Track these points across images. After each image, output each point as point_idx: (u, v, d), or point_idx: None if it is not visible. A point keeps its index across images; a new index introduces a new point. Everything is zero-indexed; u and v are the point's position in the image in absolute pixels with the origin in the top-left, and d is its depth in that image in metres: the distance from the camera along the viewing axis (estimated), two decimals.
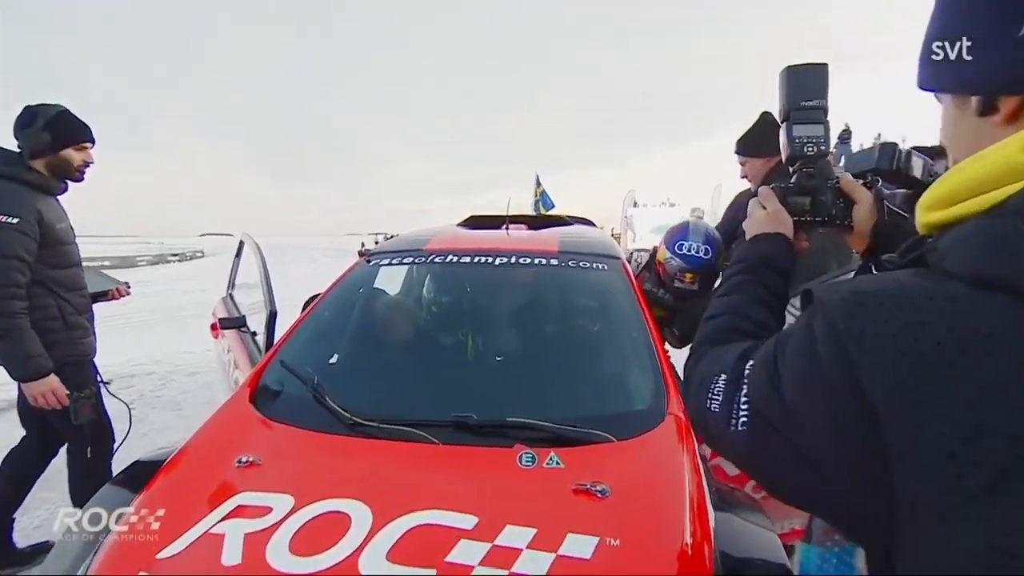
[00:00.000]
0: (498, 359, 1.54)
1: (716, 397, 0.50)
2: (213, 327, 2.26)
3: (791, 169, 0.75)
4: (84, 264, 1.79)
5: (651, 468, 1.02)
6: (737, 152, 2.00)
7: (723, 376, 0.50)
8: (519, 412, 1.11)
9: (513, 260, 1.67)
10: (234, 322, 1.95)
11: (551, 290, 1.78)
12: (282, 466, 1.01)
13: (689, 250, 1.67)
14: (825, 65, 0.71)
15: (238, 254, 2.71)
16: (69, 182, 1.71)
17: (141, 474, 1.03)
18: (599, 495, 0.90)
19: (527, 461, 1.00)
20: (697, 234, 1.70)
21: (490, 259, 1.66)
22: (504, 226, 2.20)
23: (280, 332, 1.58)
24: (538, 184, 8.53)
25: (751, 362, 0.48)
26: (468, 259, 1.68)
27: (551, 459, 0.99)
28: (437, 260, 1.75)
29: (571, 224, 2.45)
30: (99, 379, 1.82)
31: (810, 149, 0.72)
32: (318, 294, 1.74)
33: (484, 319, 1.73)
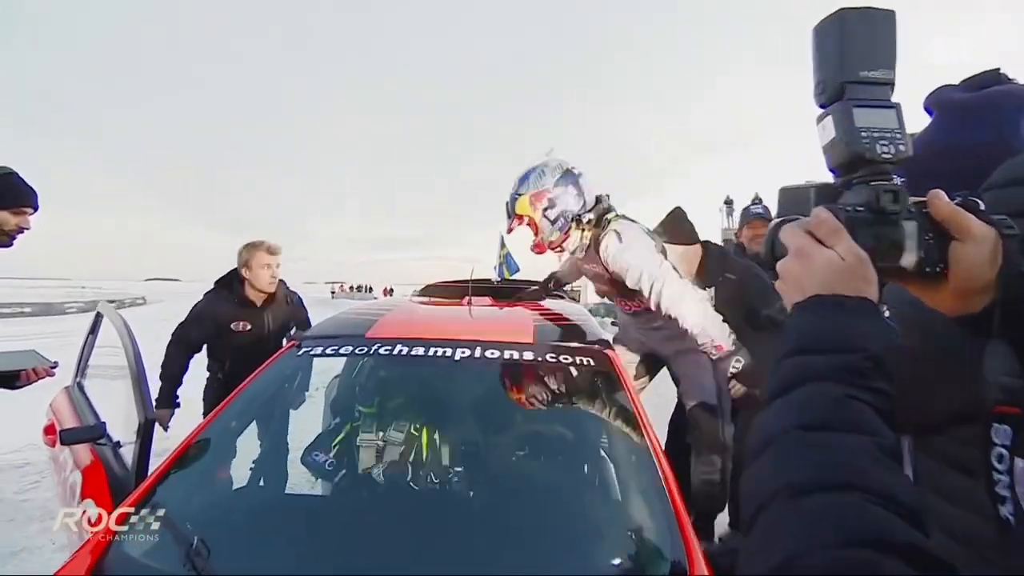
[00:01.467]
0: (457, 502, 1.21)
1: None
2: (47, 430, 1.70)
3: (850, 181, 0.46)
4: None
5: None
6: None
7: None
8: None
9: (478, 353, 1.34)
10: (86, 434, 1.39)
11: (527, 398, 1.41)
12: None
13: None
14: (892, 13, 0.45)
15: (92, 330, 2.14)
16: None
17: None
18: None
19: None
20: None
21: (448, 351, 1.33)
22: (467, 300, 1.94)
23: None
24: (502, 246, 8.33)
25: None
26: (420, 350, 1.35)
27: None
28: (382, 351, 1.38)
29: (536, 293, 2.21)
30: None
31: (885, 149, 0.44)
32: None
33: (439, 440, 1.40)
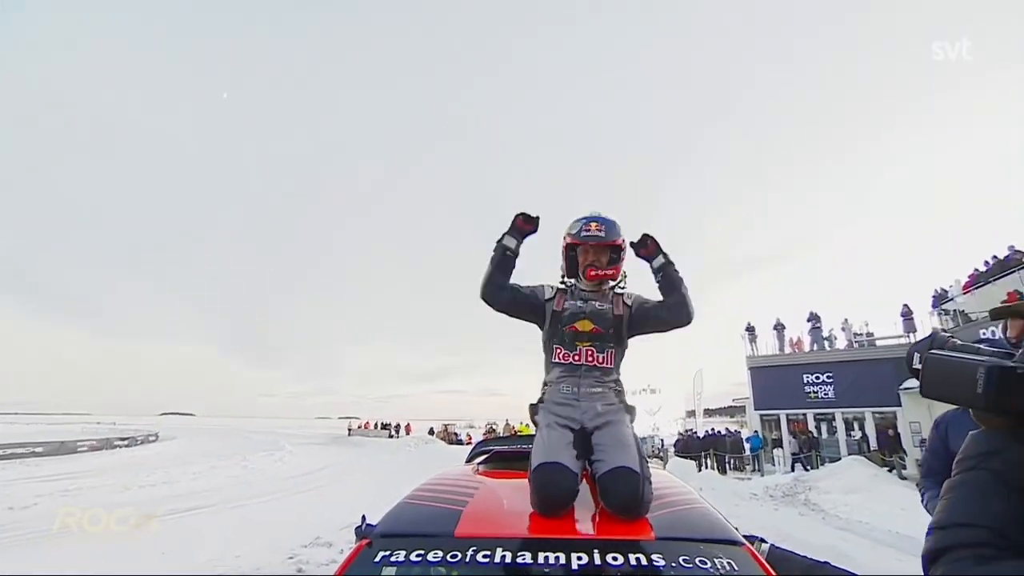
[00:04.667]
0: None
1: None
2: None
3: None
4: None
5: None
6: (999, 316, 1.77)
7: None
8: None
9: (597, 559, 1.10)
10: None
11: None
12: None
13: None
14: None
15: None
16: None
17: None
18: None
19: None
20: None
21: (560, 558, 1.10)
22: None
23: None
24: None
25: None
26: (527, 557, 1.11)
27: None
28: (481, 559, 1.11)
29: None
30: None
31: None
32: None
33: None
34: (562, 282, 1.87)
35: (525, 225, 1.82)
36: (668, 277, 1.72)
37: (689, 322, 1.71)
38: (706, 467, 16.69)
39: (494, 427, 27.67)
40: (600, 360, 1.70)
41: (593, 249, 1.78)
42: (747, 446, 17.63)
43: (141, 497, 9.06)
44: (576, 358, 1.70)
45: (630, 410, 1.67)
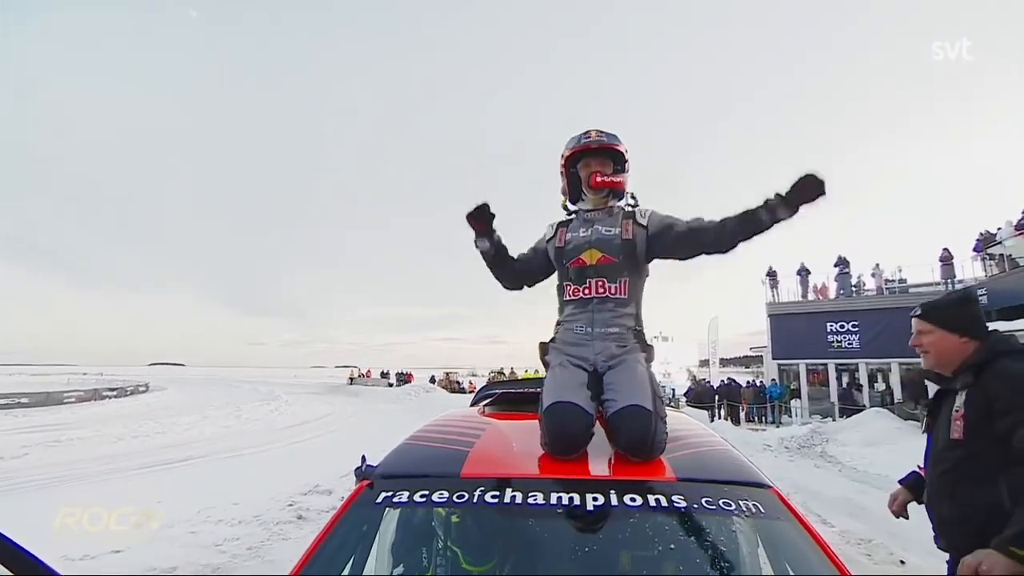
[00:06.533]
0: None
1: None
2: None
3: None
4: None
5: None
6: (922, 317, 1.74)
7: None
8: None
9: (614, 499, 1.11)
10: None
11: (685, 559, 1.14)
12: None
13: None
14: None
15: None
16: None
17: None
18: None
19: None
20: None
21: (575, 497, 1.11)
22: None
23: None
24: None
25: None
26: (539, 496, 1.12)
27: None
28: (489, 499, 1.12)
29: None
30: None
31: None
32: None
33: None
34: (564, 208, 1.86)
35: (478, 225, 1.77)
36: (760, 223, 1.52)
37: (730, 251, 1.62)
38: (719, 418, 17.07)
39: (500, 373, 27.96)
40: (613, 290, 1.65)
41: (596, 159, 1.74)
42: (767, 397, 17.73)
43: (135, 447, 9.27)
44: (587, 291, 1.66)
45: (647, 349, 1.64)
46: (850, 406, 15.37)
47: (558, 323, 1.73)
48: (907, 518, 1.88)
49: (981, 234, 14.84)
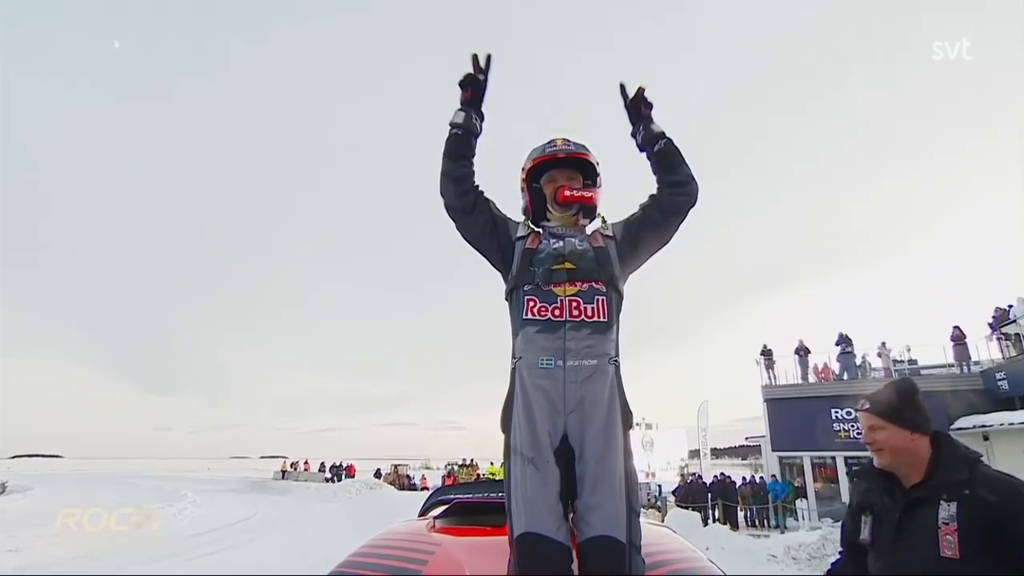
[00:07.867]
0: None
1: None
2: None
3: None
4: None
5: None
6: (871, 411, 1.64)
7: None
8: None
9: None
10: None
11: None
12: None
13: None
14: None
15: None
16: None
17: None
18: None
19: None
20: None
21: None
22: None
23: None
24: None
25: None
26: None
27: None
28: None
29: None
30: None
31: None
32: None
33: None
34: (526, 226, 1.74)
35: (465, 93, 1.69)
36: (671, 147, 1.65)
37: (696, 200, 1.63)
38: (713, 520, 15.62)
39: (464, 466, 26.61)
40: (589, 312, 1.51)
41: (562, 171, 1.70)
42: (769, 497, 16.14)
43: None
44: (557, 312, 1.51)
45: (627, 417, 1.49)
46: None
47: (517, 357, 1.54)
48: None
49: (995, 311, 14.18)
